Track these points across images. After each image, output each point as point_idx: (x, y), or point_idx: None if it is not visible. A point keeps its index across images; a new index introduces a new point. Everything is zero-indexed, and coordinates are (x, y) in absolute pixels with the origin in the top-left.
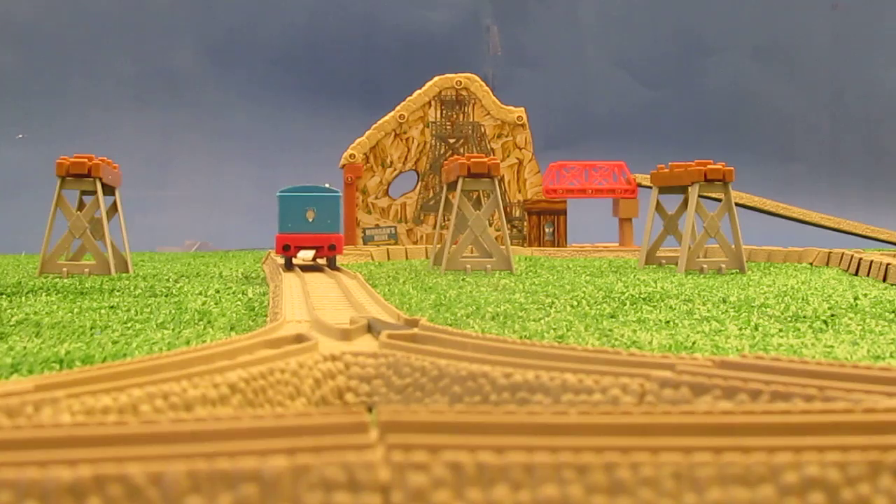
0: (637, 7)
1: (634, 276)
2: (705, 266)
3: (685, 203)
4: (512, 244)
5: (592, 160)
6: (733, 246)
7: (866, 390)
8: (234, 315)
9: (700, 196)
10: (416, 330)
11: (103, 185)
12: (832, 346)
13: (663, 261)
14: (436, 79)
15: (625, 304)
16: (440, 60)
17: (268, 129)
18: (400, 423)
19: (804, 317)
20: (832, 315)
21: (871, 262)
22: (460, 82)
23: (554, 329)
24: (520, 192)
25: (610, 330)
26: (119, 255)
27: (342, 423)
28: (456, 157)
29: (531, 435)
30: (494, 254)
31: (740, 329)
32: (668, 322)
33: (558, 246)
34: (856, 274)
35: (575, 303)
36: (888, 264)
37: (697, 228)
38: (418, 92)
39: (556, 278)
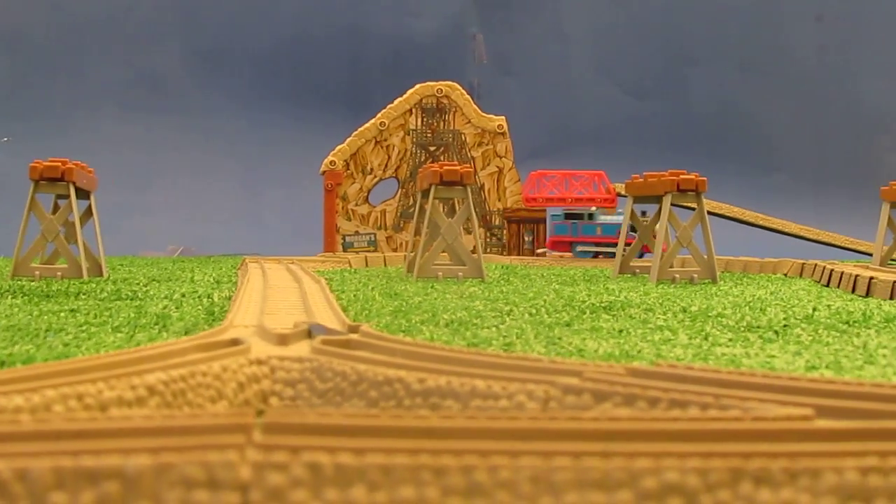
0: (623, 17)
1: (604, 285)
2: (677, 276)
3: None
4: (491, 252)
5: (566, 169)
6: (706, 256)
7: (762, 399)
8: (192, 319)
9: (679, 206)
10: (352, 336)
11: (78, 189)
12: (774, 356)
13: (637, 270)
14: (417, 86)
15: (584, 313)
16: (426, 68)
17: (254, 135)
18: (282, 424)
19: (757, 327)
20: (785, 325)
21: (842, 273)
22: (441, 90)
23: (504, 336)
24: (500, 200)
25: (559, 338)
26: (93, 259)
27: (215, 425)
28: (429, 164)
29: (393, 437)
30: (467, 262)
31: (690, 338)
32: (621, 331)
33: (537, 254)
34: (827, 285)
35: (534, 311)
36: (857, 276)
37: (672, 238)
38: (399, 99)
39: (525, 286)
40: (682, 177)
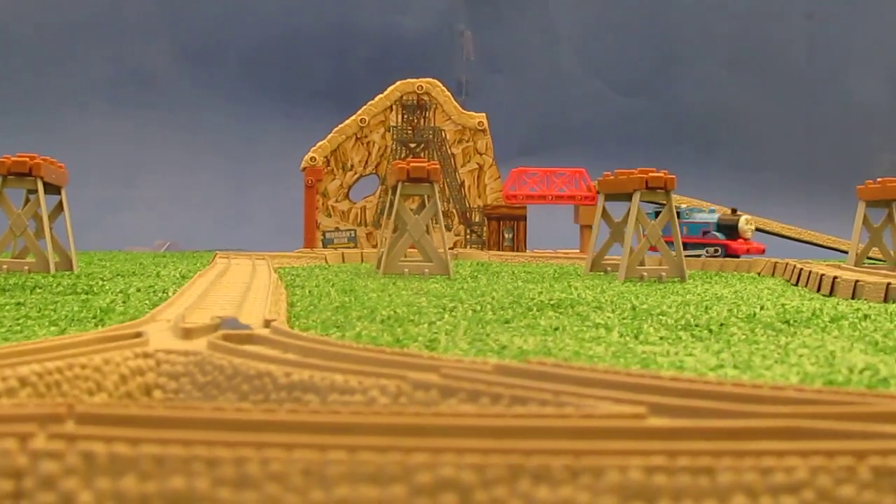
0: (611, 15)
1: (569, 282)
2: (645, 274)
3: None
4: (471, 248)
5: (554, 167)
6: (674, 254)
7: (602, 396)
8: (135, 313)
9: (656, 203)
10: (259, 331)
11: (49, 185)
12: (691, 355)
13: (609, 268)
14: (397, 83)
15: (531, 310)
16: (414, 65)
17: (241, 131)
18: (92, 415)
19: (696, 325)
20: (721, 325)
21: (810, 272)
22: (422, 87)
23: (434, 333)
24: (480, 197)
25: (487, 335)
26: (63, 254)
27: (4, 415)
28: (397, 160)
29: (169, 428)
30: (433, 258)
31: (621, 336)
32: (556, 328)
33: (517, 251)
34: (796, 284)
35: (478, 307)
36: (822, 275)
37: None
38: (380, 96)
39: (487, 283)
40: (650, 174)
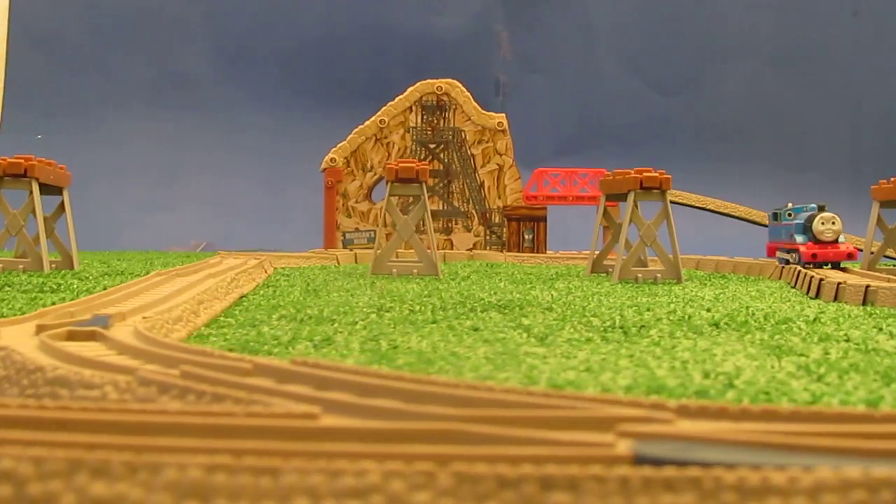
0: (652, 13)
1: (552, 284)
2: (640, 276)
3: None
4: (490, 250)
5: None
6: (671, 256)
7: (293, 395)
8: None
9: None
10: (102, 329)
11: (50, 186)
12: (569, 357)
13: (610, 269)
14: (417, 84)
15: (473, 311)
16: (450, 66)
17: (278, 132)
18: None
19: (619, 327)
20: (642, 326)
21: (805, 274)
22: (441, 87)
23: (338, 332)
24: (500, 197)
25: (389, 335)
26: (65, 253)
27: None
28: (389, 161)
29: None
30: (422, 259)
31: (528, 337)
32: (476, 329)
33: (537, 252)
34: (794, 286)
35: (418, 307)
36: (811, 277)
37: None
38: (399, 97)
39: (466, 285)
40: (645, 174)
